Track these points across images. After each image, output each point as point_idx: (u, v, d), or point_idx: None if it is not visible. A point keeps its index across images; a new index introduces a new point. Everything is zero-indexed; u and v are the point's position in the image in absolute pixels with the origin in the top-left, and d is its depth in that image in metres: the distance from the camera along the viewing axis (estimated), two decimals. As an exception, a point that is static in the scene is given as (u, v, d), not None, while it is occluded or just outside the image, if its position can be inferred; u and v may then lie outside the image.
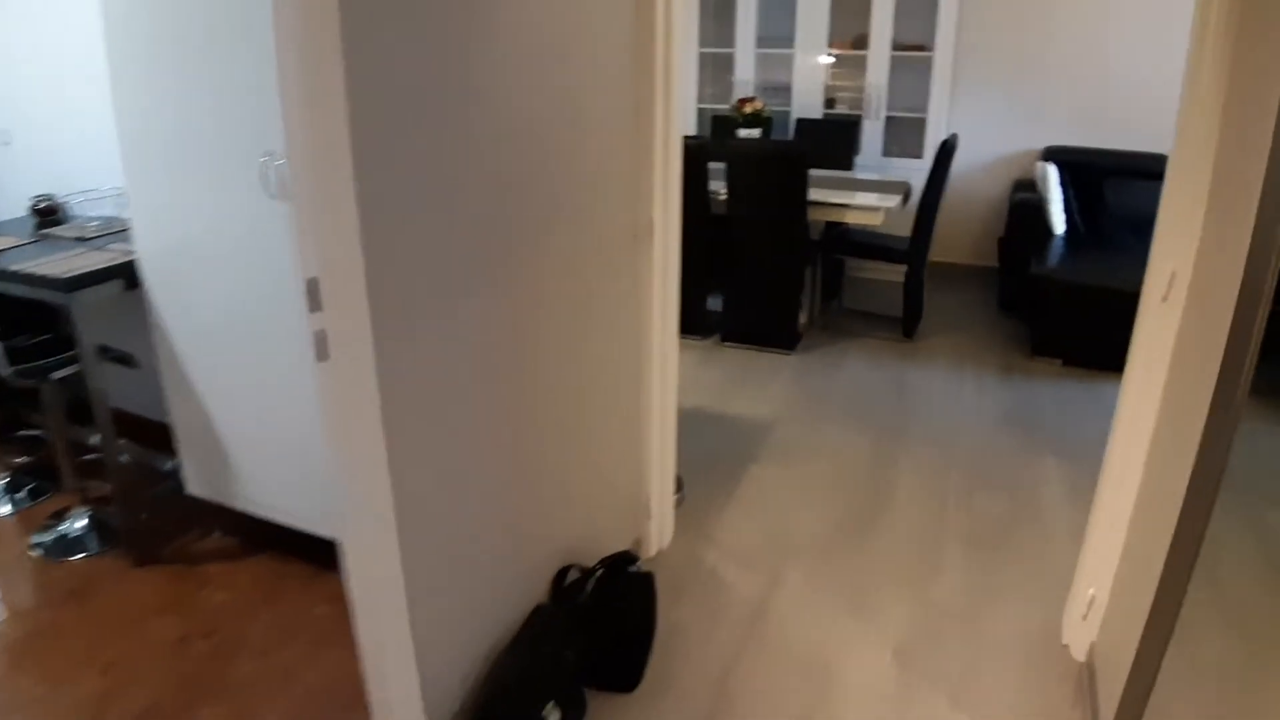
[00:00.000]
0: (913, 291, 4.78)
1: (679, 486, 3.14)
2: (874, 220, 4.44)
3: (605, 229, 2.21)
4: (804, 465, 3.45)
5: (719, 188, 4.47)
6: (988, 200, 6.07)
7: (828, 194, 4.58)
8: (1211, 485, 1.51)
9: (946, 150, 4.51)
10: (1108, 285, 4.31)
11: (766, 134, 5.46)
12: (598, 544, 2.46)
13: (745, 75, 6.14)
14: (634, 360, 2.52)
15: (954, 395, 4.14)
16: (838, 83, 6.15)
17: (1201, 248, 1.84)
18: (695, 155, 4.31)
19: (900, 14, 5.67)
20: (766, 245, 4.49)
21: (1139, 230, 5.38)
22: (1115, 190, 5.44)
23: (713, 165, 4.96)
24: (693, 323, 4.78)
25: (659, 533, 2.80)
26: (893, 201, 4.46)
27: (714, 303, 4.86)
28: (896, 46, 5.74)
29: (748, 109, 4.93)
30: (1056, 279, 4.44)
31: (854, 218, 4.49)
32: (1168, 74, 5.41)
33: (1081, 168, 5.44)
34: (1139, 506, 2.11)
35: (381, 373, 1.46)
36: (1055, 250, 4.84)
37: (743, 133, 5.01)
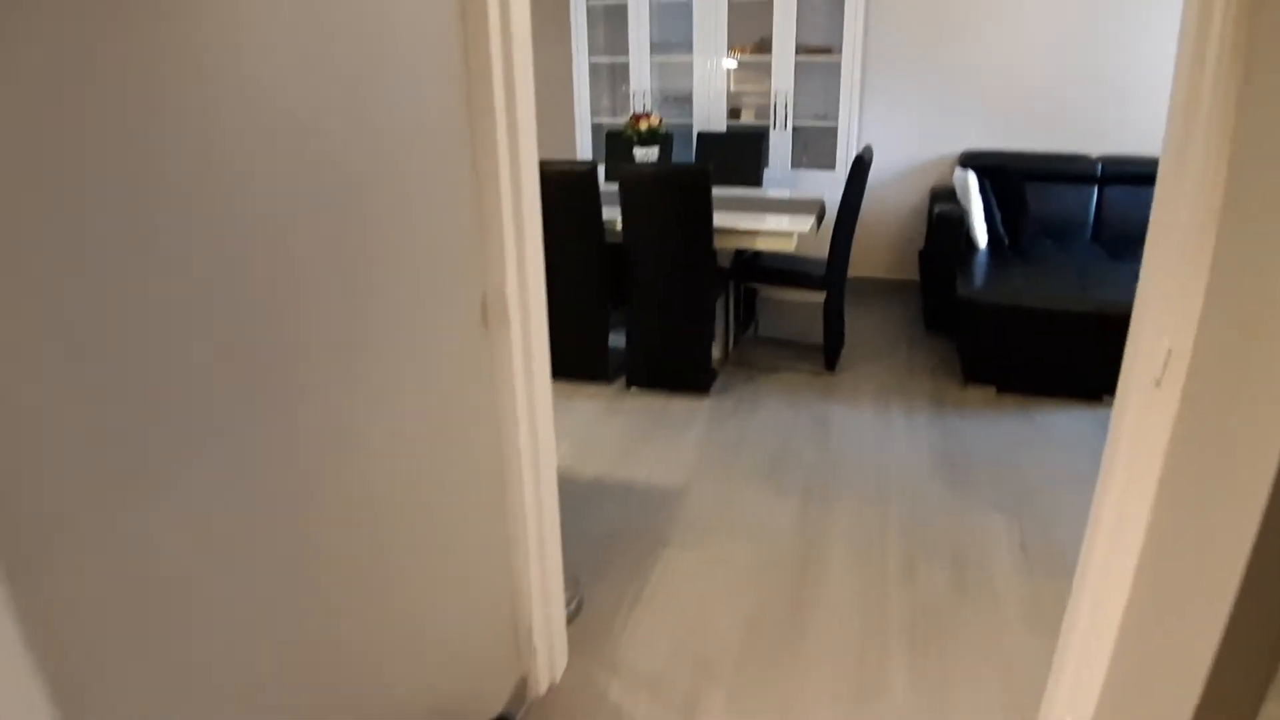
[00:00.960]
0: (832, 319, 4.37)
1: (572, 594, 2.62)
2: (786, 246, 4.01)
3: (436, 313, 1.68)
4: (722, 545, 2.97)
5: (615, 215, 3.98)
6: (905, 210, 5.72)
7: (735, 219, 4.13)
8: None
9: (861, 166, 4.10)
10: (1038, 305, 3.96)
11: (666, 152, 5.00)
12: (471, 698, 1.93)
13: (641, 85, 5.66)
14: (495, 466, 1.99)
15: (883, 437, 3.72)
16: (742, 88, 5.72)
17: (1208, 315, 1.41)
18: (585, 181, 3.81)
19: (804, 14, 5.27)
20: (671, 278, 4.02)
21: (1063, 238, 5.08)
22: (1037, 195, 5.13)
23: (607, 188, 4.48)
24: (593, 367, 4.28)
25: (548, 665, 2.28)
26: (806, 224, 4.03)
27: (617, 339, 4.37)
28: (801, 50, 5.34)
29: (643, 126, 4.45)
30: (984, 301, 4.08)
31: (765, 244, 4.05)
32: (1087, 69, 5.12)
33: (1000, 172, 5.12)
34: (1133, 626, 1.68)
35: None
36: (980, 266, 4.49)
37: (639, 152, 4.53)
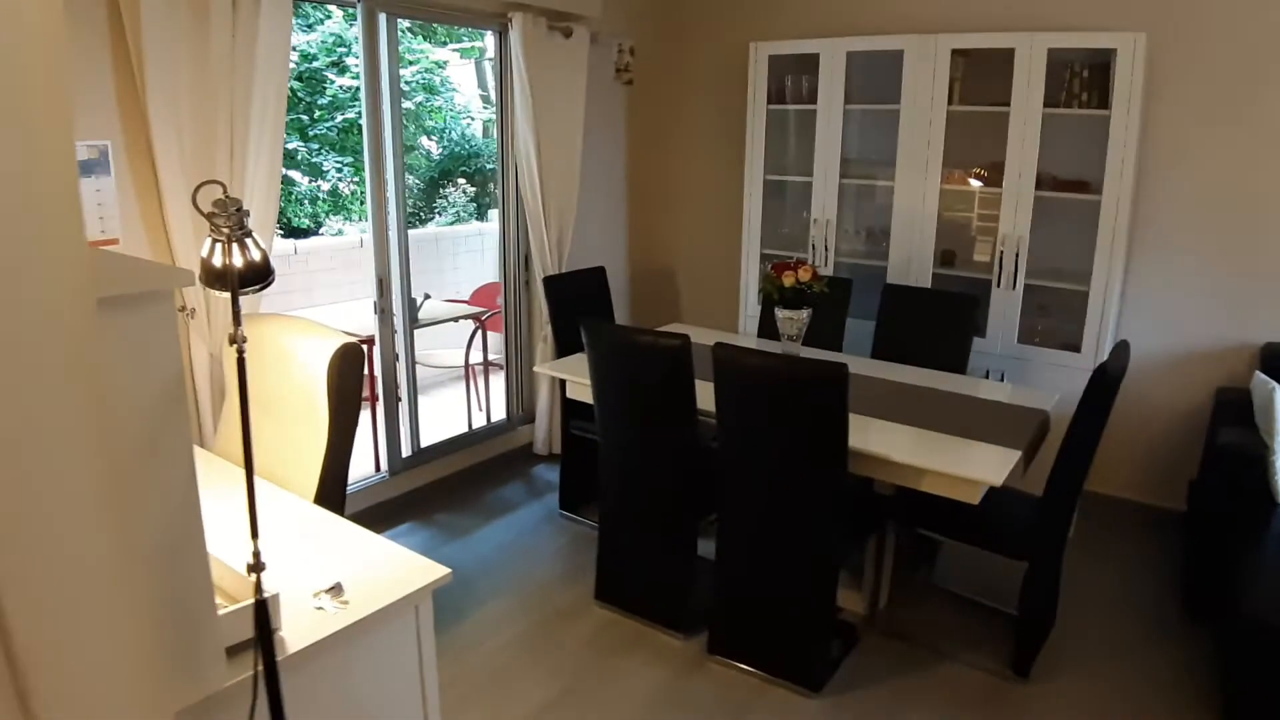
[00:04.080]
0: (1036, 596, 2.85)
1: None
2: (968, 497, 2.59)
3: None
4: None
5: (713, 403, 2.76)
6: (1177, 412, 4.02)
7: (894, 438, 2.77)
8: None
9: (1106, 381, 2.61)
10: None
11: (838, 306, 3.72)
12: None
13: (826, 213, 4.41)
14: None
15: None
16: (959, 226, 4.31)
17: None
18: (677, 357, 2.66)
19: (1051, 134, 3.82)
20: (778, 518, 2.72)
21: None
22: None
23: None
24: (667, 608, 3.05)
25: None
26: (1006, 465, 2.59)
27: (707, 547, 3.07)
28: (1045, 182, 3.88)
29: (788, 281, 3.20)
30: (1269, 626, 2.41)
31: (935, 488, 2.65)
32: None
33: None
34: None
35: None
36: (1273, 546, 2.79)
37: (782, 316, 3.29)
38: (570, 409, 3.78)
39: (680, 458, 2.92)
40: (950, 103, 3.99)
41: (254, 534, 1.45)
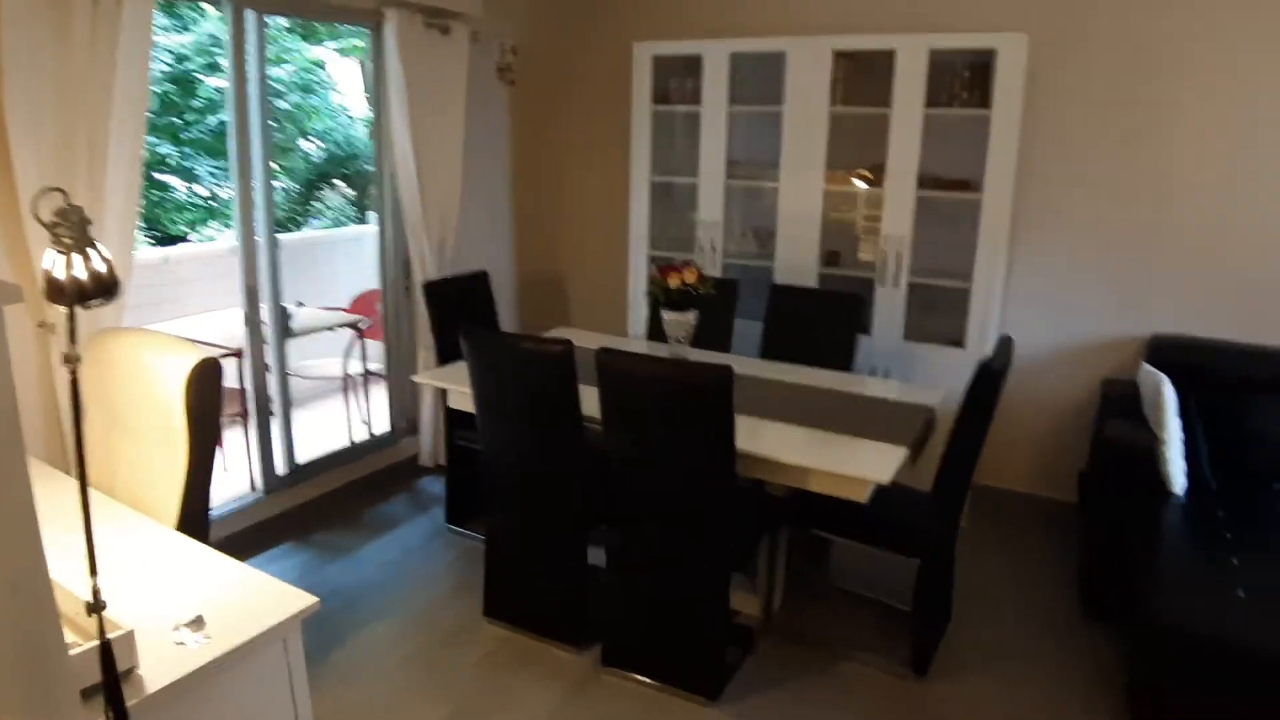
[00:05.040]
0: (930, 593, 2.85)
1: None
2: (857, 495, 2.56)
3: None
4: None
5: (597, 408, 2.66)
6: (1064, 404, 4.13)
7: (784, 440, 2.73)
8: None
9: (992, 375, 2.63)
10: (1261, 641, 2.34)
11: (723, 309, 3.67)
12: None
13: (713, 214, 4.38)
14: None
15: None
16: (843, 226, 4.33)
17: None
18: (560, 363, 2.54)
19: (933, 133, 3.87)
20: (671, 525, 2.64)
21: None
22: (1267, 415, 3.45)
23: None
24: (560, 622, 2.94)
25: None
26: (893, 462, 2.57)
27: (599, 557, 2.96)
28: (927, 182, 3.93)
29: (674, 282, 3.13)
30: (1177, 630, 2.47)
31: (823, 487, 2.62)
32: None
33: (1208, 379, 3.50)
34: None
35: None
36: (1172, 541, 2.86)
37: (669, 319, 3.22)
38: (454, 419, 3.62)
39: (568, 467, 2.80)
40: (833, 104, 4.00)
41: (93, 570, 1.34)
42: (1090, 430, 3.90)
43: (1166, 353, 3.67)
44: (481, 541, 3.25)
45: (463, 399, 3.19)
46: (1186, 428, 3.23)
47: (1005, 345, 2.85)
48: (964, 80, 3.81)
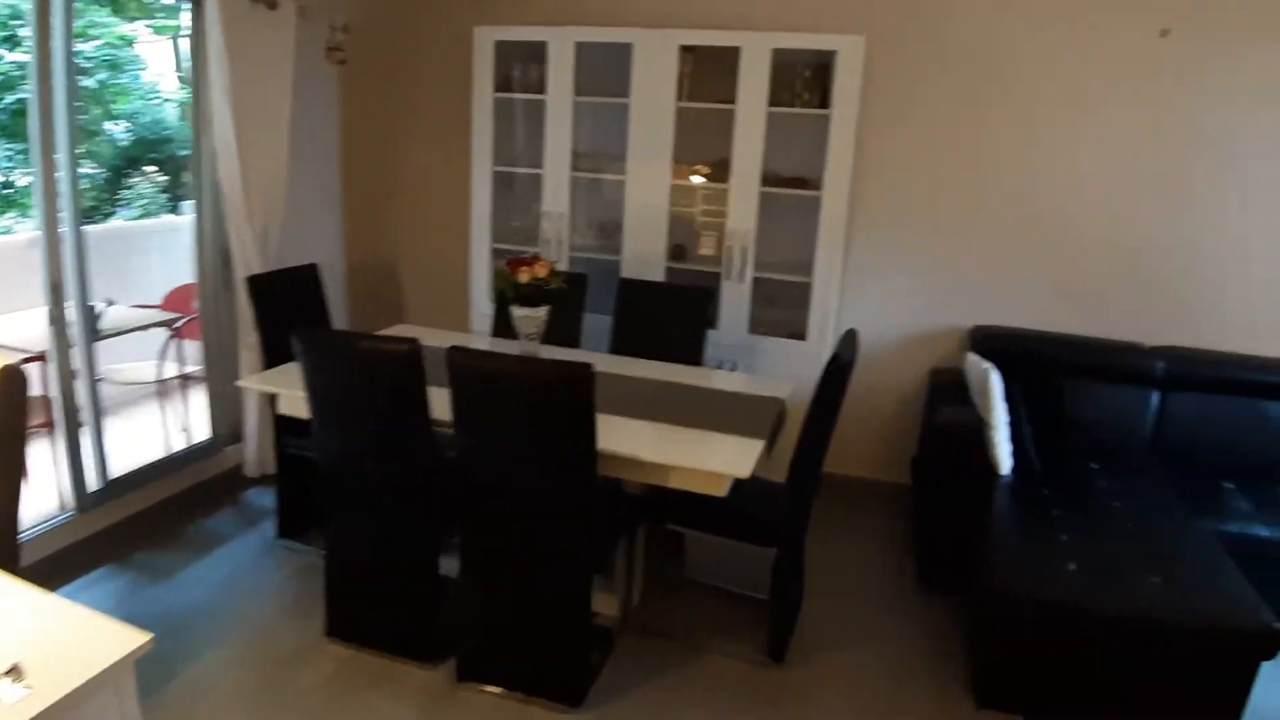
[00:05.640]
0: (785, 582, 2.89)
1: None
2: (716, 490, 2.55)
3: None
4: None
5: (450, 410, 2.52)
6: (897, 393, 4.32)
7: (640, 437, 2.69)
8: None
9: (842, 368, 2.68)
10: (1092, 608, 2.52)
11: (572, 304, 3.59)
12: None
13: (558, 206, 4.29)
14: None
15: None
16: (688, 220, 4.35)
17: None
18: (407, 364, 2.40)
19: (776, 132, 3.94)
20: (529, 529, 2.55)
21: (1117, 464, 3.60)
22: (1082, 399, 3.73)
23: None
24: (411, 638, 2.78)
25: None
26: (750, 456, 2.58)
27: (451, 566, 2.82)
28: (770, 180, 4.00)
29: (524, 277, 3.03)
30: (1008, 598, 2.62)
31: (684, 483, 2.59)
32: (1155, 229, 3.82)
33: (1029, 364, 3.73)
34: None
35: None
36: (1002, 519, 3.04)
37: (518, 315, 3.11)
38: (284, 425, 3.35)
39: (415, 473, 2.65)
40: (680, 99, 4.01)
41: None
42: (921, 417, 4.10)
43: (988, 342, 3.89)
44: (318, 555, 3.04)
45: (295, 404, 2.95)
46: (1011, 412, 3.43)
47: (851, 338, 2.93)
48: (805, 80, 3.90)
